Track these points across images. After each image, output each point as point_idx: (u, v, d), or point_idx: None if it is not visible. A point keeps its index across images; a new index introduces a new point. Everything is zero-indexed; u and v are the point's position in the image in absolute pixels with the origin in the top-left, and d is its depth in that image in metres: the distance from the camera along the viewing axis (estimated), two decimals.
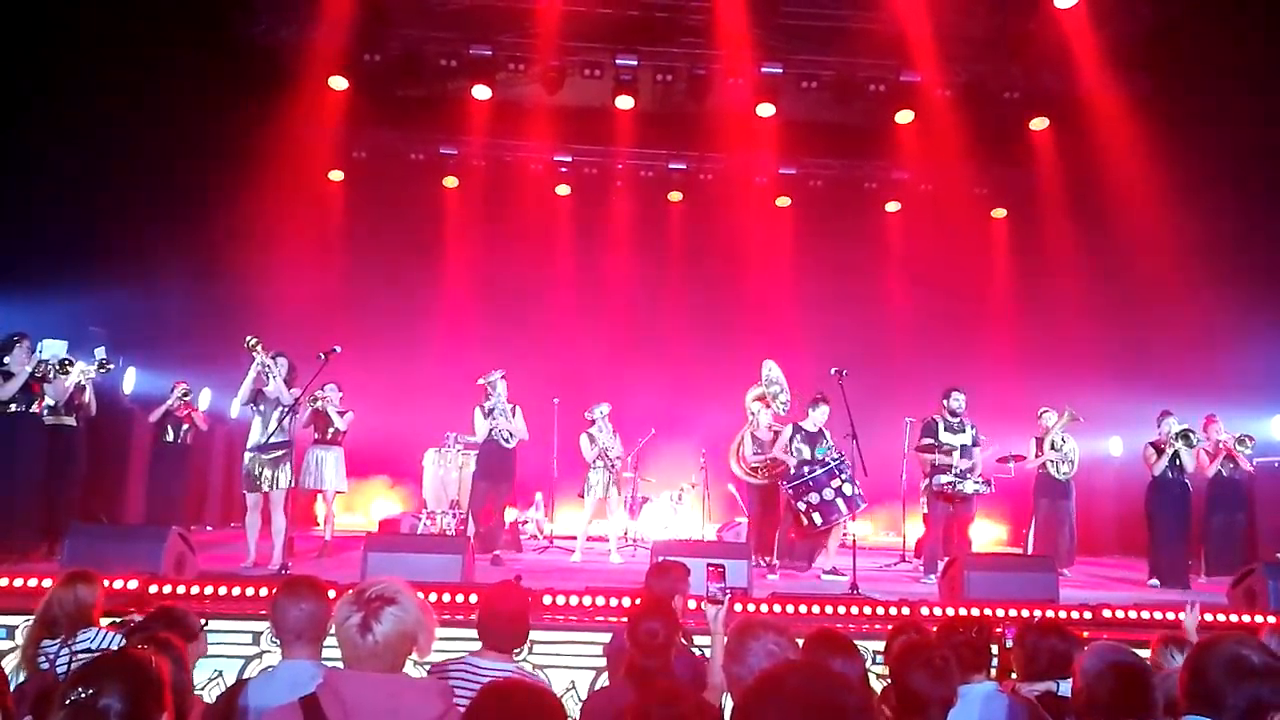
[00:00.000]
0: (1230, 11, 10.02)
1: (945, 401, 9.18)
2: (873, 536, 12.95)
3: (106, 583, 5.62)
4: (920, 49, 11.89)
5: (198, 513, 12.05)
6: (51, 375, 8.19)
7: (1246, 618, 6.13)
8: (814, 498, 8.53)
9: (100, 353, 8.69)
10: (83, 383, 8.49)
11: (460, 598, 5.94)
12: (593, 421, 9.91)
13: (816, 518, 8.59)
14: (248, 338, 8.11)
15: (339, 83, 12.56)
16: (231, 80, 11.49)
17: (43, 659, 3.72)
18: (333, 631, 2.58)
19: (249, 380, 8.14)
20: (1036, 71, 12.56)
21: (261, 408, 8.18)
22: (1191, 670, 2.44)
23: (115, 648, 3.61)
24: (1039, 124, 13.36)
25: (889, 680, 3.17)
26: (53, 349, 8.37)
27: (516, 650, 3.82)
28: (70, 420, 8.53)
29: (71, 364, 8.34)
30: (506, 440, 9.24)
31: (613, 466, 9.85)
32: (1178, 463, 9.38)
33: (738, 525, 11.37)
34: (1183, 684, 2.46)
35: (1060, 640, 3.72)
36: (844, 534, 9.18)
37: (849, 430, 8.22)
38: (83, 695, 2.18)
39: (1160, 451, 9.44)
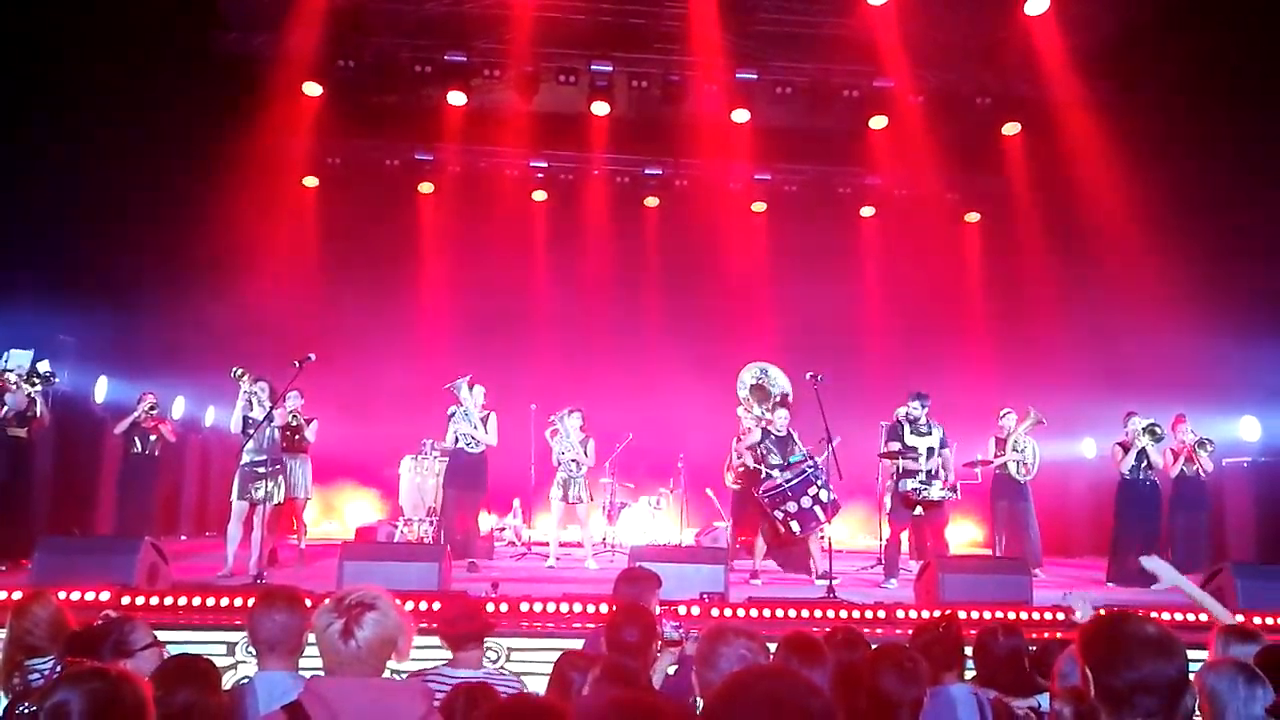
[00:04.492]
0: (1197, 19, 10.17)
1: (907, 406, 9.19)
2: (850, 540, 13.02)
3: (78, 595, 5.62)
4: (893, 55, 12.01)
5: (172, 522, 11.95)
6: (13, 386, 8.11)
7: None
8: (791, 506, 8.54)
9: (44, 366, 8.61)
10: (32, 395, 8.43)
11: (437, 605, 5.92)
12: (551, 424, 9.95)
13: (795, 526, 8.60)
14: (234, 369, 8.30)
15: (313, 89, 12.52)
16: (205, 87, 11.39)
17: (35, 675, 3.66)
18: (313, 640, 2.58)
19: (238, 410, 8.35)
20: (1008, 78, 12.71)
21: (251, 429, 8.26)
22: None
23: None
24: (1011, 129, 13.49)
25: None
26: (18, 359, 8.27)
27: (473, 646, 3.86)
28: (21, 432, 8.44)
29: (37, 376, 8.27)
30: (469, 446, 9.26)
31: (573, 470, 9.80)
32: (1145, 461, 9.39)
33: (716, 530, 11.40)
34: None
35: (1010, 637, 3.82)
36: (821, 537, 9.20)
37: (825, 434, 8.28)
38: (27, 710, 2.17)
39: (1126, 450, 9.49)
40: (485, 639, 4.03)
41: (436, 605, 5.87)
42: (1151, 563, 4.19)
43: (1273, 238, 9.78)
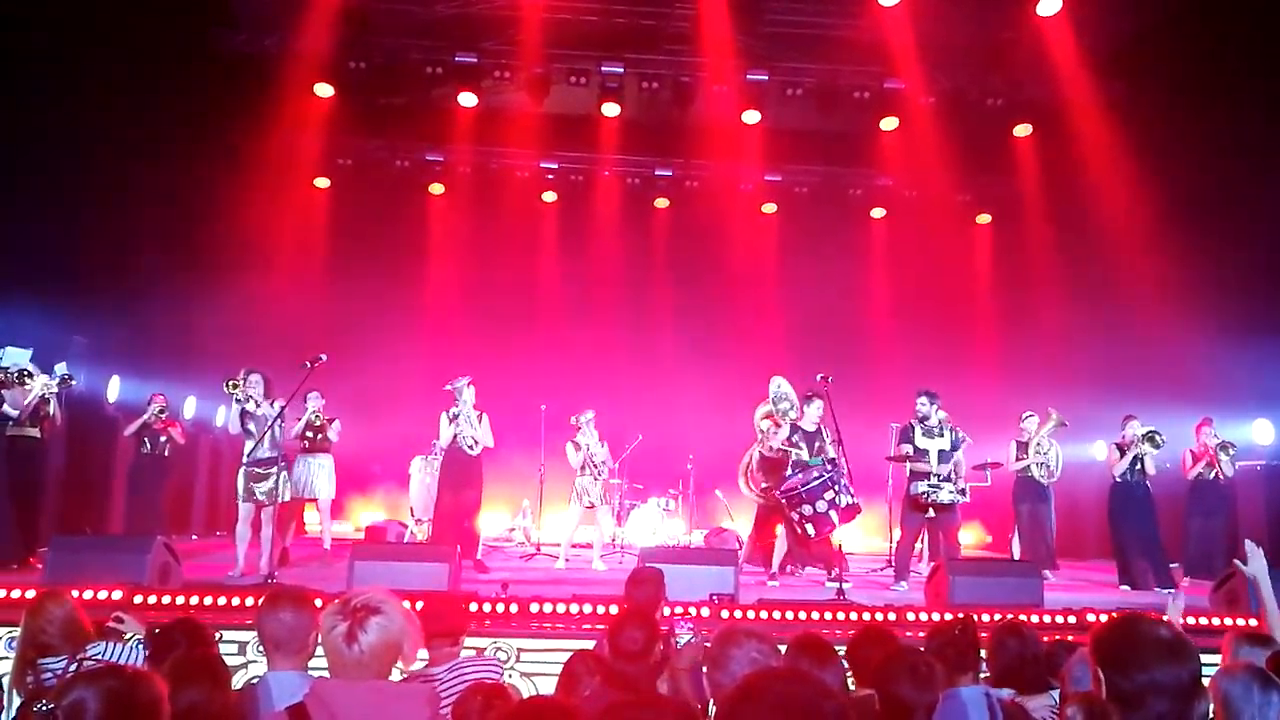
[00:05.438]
0: (1209, 19, 10.12)
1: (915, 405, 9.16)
2: (860, 542, 12.96)
3: (90, 594, 5.64)
4: (903, 56, 11.98)
5: (183, 522, 11.99)
6: (11, 384, 8.13)
7: (1229, 620, 6.17)
8: (807, 509, 8.51)
9: (61, 367, 8.64)
10: (46, 395, 8.44)
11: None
12: (578, 428, 9.88)
13: (810, 529, 8.58)
14: (225, 383, 8.11)
15: (324, 90, 12.57)
16: (216, 87, 11.45)
17: (48, 675, 3.69)
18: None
19: (234, 417, 8.21)
20: (1019, 79, 12.66)
21: (251, 427, 8.20)
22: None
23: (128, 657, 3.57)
24: (1022, 131, 13.45)
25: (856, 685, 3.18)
26: (14, 357, 8.28)
27: (446, 644, 3.86)
28: (34, 432, 8.45)
29: (31, 375, 8.27)
30: (470, 448, 9.24)
31: (599, 473, 9.81)
32: (1139, 466, 9.36)
33: (725, 531, 11.37)
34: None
35: (1017, 639, 3.81)
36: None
37: (835, 435, 8.28)
38: (44, 709, 2.16)
39: (1123, 452, 9.43)
40: (460, 637, 4.00)
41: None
42: (1251, 549, 4.20)
43: None
